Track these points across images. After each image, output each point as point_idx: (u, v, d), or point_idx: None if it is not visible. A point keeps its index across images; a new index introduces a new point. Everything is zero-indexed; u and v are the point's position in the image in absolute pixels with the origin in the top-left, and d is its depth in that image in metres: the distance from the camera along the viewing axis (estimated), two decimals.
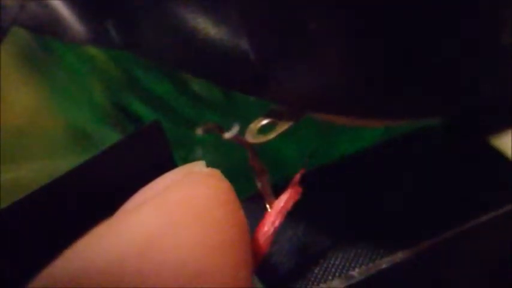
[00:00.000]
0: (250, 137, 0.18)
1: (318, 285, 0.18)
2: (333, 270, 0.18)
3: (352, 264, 0.19)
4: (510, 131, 0.22)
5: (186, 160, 0.23)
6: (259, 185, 0.17)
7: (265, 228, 0.16)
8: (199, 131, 0.16)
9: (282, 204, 0.17)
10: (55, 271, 0.14)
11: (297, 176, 0.17)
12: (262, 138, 0.18)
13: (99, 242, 0.14)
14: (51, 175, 0.16)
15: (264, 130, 0.18)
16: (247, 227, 0.15)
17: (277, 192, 0.17)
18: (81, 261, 0.14)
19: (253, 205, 0.19)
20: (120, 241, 0.14)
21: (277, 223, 0.17)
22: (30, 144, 0.23)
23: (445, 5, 0.16)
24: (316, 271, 0.19)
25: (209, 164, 0.16)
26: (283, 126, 0.18)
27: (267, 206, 0.17)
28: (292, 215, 0.17)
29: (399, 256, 0.18)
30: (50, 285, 0.13)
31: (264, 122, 0.18)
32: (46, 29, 0.19)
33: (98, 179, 0.16)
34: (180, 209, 0.14)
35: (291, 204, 0.17)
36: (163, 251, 0.14)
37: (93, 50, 0.23)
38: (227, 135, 0.16)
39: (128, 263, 0.13)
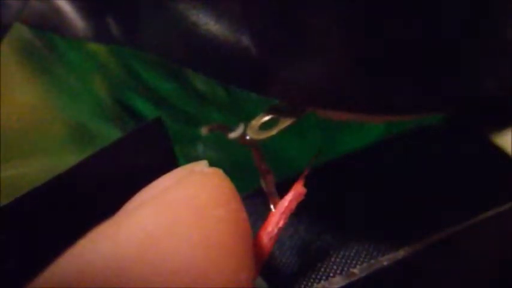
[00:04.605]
0: (252, 133, 0.18)
1: (319, 282, 0.18)
2: (334, 267, 0.18)
3: (354, 262, 0.19)
4: (510, 129, 0.22)
5: (188, 157, 0.23)
6: (263, 184, 0.17)
7: (269, 229, 0.16)
8: (204, 131, 0.16)
9: (286, 204, 0.17)
10: (56, 271, 0.14)
11: (302, 177, 0.17)
12: (264, 135, 0.18)
13: (100, 242, 0.14)
14: (52, 172, 0.16)
15: (266, 127, 0.18)
16: (249, 227, 0.15)
17: (280, 190, 0.17)
18: (82, 261, 0.14)
19: (255, 201, 0.19)
20: (120, 241, 0.14)
21: (281, 223, 0.17)
22: (31, 141, 0.23)
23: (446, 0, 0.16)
24: (317, 268, 0.19)
25: (211, 161, 0.16)
26: (285, 123, 0.18)
27: (271, 206, 0.17)
28: (293, 213, 0.17)
29: (400, 254, 0.18)
30: (51, 285, 0.13)
31: (266, 118, 0.18)
32: (48, 25, 0.19)
33: (99, 176, 0.16)
34: (181, 209, 0.14)
35: (295, 204, 0.17)
36: (164, 251, 0.14)
37: (94, 46, 0.23)
38: (232, 135, 0.16)
39: (127, 264, 0.13)
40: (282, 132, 0.18)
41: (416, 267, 0.19)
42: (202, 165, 0.16)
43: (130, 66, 0.23)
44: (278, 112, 0.18)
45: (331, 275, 0.18)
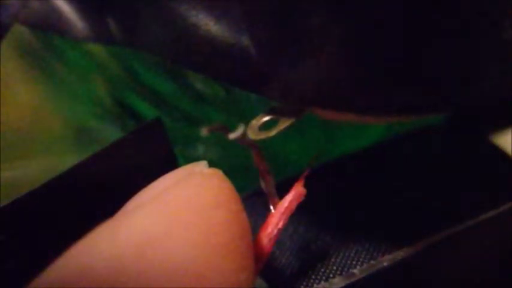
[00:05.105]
0: (252, 134, 0.18)
1: (319, 283, 0.18)
2: (334, 268, 0.18)
3: (353, 263, 0.19)
4: (510, 130, 0.22)
5: (187, 157, 0.23)
6: (263, 185, 0.17)
7: (269, 230, 0.16)
8: (204, 131, 0.16)
9: (286, 205, 0.17)
10: (55, 271, 0.14)
11: (302, 178, 0.17)
12: (264, 135, 0.18)
13: (99, 243, 0.14)
14: (52, 172, 0.16)
15: (265, 127, 0.18)
16: (248, 227, 0.15)
17: (280, 190, 0.17)
18: (81, 261, 0.14)
19: (255, 202, 0.19)
20: (120, 242, 0.14)
21: (280, 224, 0.17)
22: (31, 141, 0.23)
23: (445, 0, 0.16)
24: (317, 269, 0.19)
25: (211, 161, 0.16)
26: (285, 123, 0.18)
27: (271, 207, 0.17)
28: (293, 213, 0.17)
29: (400, 254, 0.18)
30: (50, 285, 0.13)
31: (266, 118, 0.18)
32: (47, 26, 0.19)
33: (99, 176, 0.16)
34: (181, 210, 0.14)
35: (294, 205, 0.17)
36: (163, 252, 0.14)
37: (94, 47, 0.23)
38: (232, 135, 0.16)
39: (127, 264, 0.13)
40: (281, 133, 0.18)
41: (416, 267, 0.19)
42: (202, 166, 0.16)
43: (130, 67, 0.23)
44: (278, 112, 0.18)
45: (331, 275, 0.18)
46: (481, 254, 0.20)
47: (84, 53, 0.23)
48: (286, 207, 0.17)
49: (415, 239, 0.19)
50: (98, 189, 0.16)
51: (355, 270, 0.18)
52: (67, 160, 0.21)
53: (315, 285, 0.18)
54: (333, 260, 0.19)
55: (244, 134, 0.16)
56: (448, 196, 0.21)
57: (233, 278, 0.14)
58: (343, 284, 0.18)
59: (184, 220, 0.14)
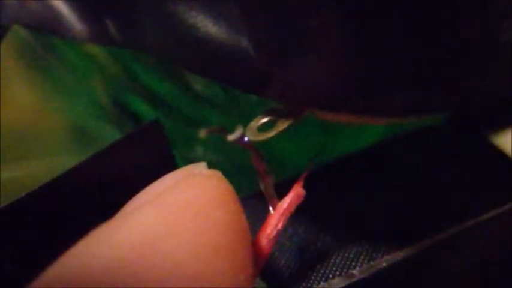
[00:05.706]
0: (251, 135, 0.18)
1: (318, 284, 0.18)
2: (334, 269, 0.18)
3: (353, 263, 0.19)
4: (510, 130, 0.22)
5: (187, 159, 0.23)
6: (262, 186, 0.17)
7: (268, 231, 0.16)
8: (202, 133, 0.16)
9: (285, 206, 0.17)
10: (55, 272, 0.14)
11: (301, 179, 0.17)
12: (263, 136, 0.18)
13: (99, 244, 0.14)
14: (51, 174, 0.16)
15: (264, 128, 0.18)
16: (248, 228, 0.15)
17: (279, 191, 0.17)
18: (81, 262, 0.14)
19: (254, 203, 0.19)
20: (120, 242, 0.14)
21: (280, 226, 0.16)
22: (30, 142, 0.23)
23: (444, 1, 0.16)
24: (316, 270, 0.19)
25: (210, 163, 0.16)
26: (283, 124, 0.18)
27: (270, 208, 0.17)
28: (292, 214, 0.17)
29: (400, 255, 0.18)
30: (50, 285, 0.13)
31: (265, 120, 0.18)
32: (46, 27, 0.19)
33: (98, 178, 0.17)
34: (180, 211, 0.14)
35: (294, 206, 0.17)
36: (163, 252, 0.14)
37: (93, 48, 0.23)
38: (231, 137, 0.16)
39: (127, 265, 0.13)
40: (281, 134, 0.18)
41: (416, 268, 0.19)
42: (201, 167, 0.16)
43: (129, 68, 0.23)
44: (277, 113, 0.18)
45: (331, 276, 0.18)
46: (481, 254, 0.20)
47: (83, 54, 0.23)
48: (286, 208, 0.17)
49: (414, 239, 0.19)
50: (97, 190, 0.16)
51: (354, 271, 0.18)
52: (66, 161, 0.21)
53: (314, 286, 0.18)
54: (332, 260, 0.19)
55: (243, 136, 0.16)
56: (448, 196, 0.21)
57: (232, 278, 0.14)
58: (342, 285, 0.18)
59: (184, 221, 0.14)
